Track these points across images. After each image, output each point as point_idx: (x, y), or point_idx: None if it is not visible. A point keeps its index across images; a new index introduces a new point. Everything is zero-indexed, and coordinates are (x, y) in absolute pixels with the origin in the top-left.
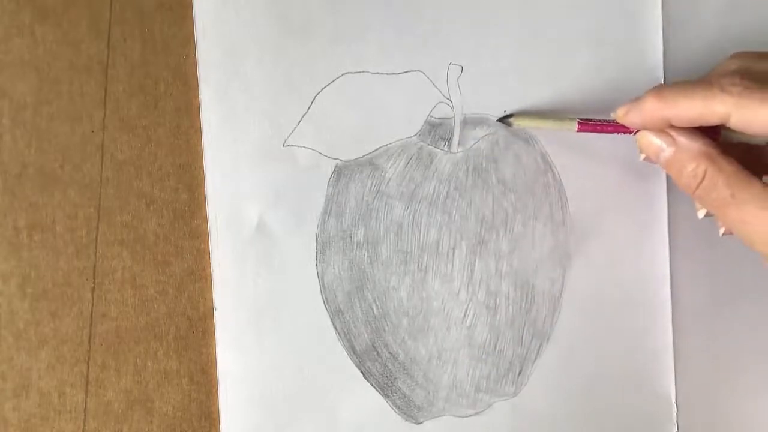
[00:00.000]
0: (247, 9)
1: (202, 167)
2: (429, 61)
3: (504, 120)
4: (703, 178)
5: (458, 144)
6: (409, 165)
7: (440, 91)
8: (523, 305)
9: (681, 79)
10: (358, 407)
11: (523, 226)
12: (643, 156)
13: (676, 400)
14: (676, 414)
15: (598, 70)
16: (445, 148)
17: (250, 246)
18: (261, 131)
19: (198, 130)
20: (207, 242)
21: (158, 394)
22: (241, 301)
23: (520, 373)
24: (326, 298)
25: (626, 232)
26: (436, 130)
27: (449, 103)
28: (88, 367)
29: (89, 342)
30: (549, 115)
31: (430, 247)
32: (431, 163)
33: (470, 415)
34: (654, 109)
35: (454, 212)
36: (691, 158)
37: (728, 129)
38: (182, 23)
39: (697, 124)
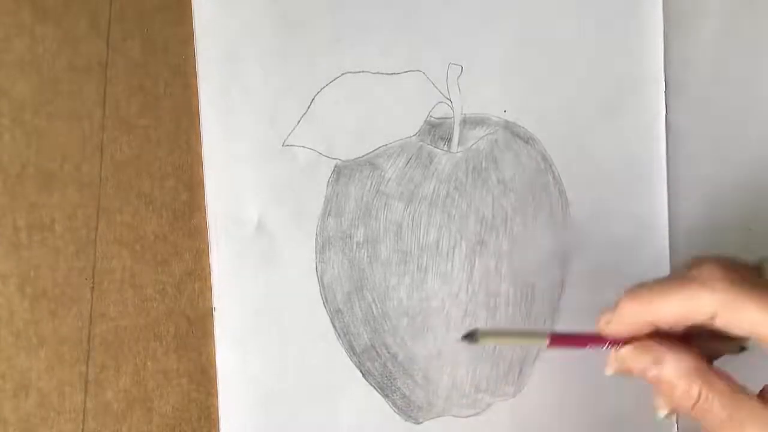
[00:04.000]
0: (247, 9)
1: (201, 167)
2: (429, 61)
3: (468, 337)
4: (698, 398)
5: (458, 144)
6: (408, 165)
7: (440, 91)
8: (523, 305)
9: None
10: (358, 407)
11: (523, 226)
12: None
13: None
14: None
15: (598, 70)
16: (445, 148)
17: (249, 246)
18: (260, 131)
19: (198, 130)
20: (207, 242)
21: (158, 394)
22: (240, 301)
23: (520, 373)
24: (326, 298)
25: (626, 232)
26: (436, 130)
27: (449, 103)
28: (87, 367)
29: (88, 342)
30: (517, 330)
31: (430, 247)
32: (431, 163)
33: (470, 415)
34: (633, 314)
35: (453, 212)
36: (681, 376)
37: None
38: (182, 23)
39: (682, 325)
